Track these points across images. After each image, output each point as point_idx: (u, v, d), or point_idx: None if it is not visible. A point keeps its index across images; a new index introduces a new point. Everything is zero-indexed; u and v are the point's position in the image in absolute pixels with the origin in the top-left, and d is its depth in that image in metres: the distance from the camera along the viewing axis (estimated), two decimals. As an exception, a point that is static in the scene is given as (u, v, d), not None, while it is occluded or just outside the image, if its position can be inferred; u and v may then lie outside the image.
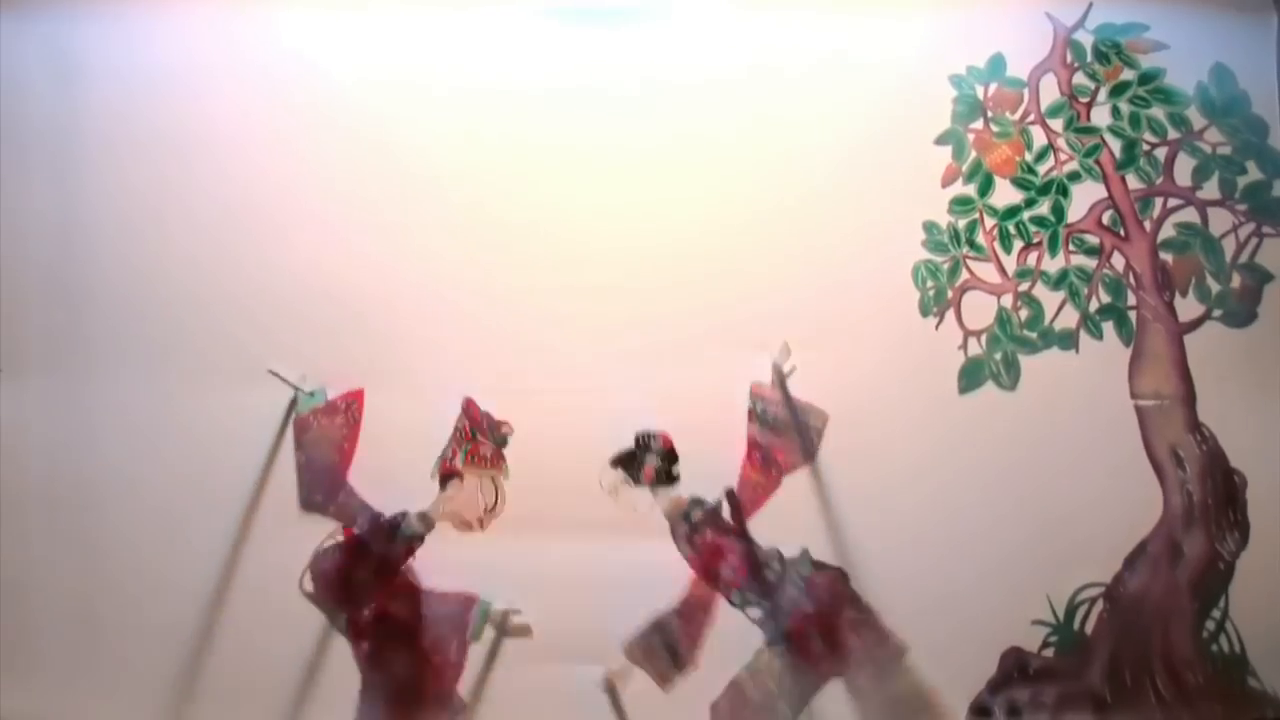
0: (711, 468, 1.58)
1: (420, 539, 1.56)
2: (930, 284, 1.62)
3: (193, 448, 1.57)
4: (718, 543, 1.56)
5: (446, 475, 1.57)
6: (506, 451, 1.58)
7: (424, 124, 1.63)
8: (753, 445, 1.58)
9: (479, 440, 1.57)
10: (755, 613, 1.55)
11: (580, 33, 1.65)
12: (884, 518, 1.58)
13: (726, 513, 1.57)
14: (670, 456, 1.58)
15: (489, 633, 1.54)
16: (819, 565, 1.56)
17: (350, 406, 1.58)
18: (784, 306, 1.60)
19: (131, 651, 1.54)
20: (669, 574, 1.56)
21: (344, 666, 1.54)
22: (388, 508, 1.57)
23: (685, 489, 1.58)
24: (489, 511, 1.56)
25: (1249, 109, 1.66)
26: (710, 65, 1.64)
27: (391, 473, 1.58)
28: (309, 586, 1.55)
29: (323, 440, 1.57)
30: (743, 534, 1.56)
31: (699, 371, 1.59)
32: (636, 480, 1.57)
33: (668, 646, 1.54)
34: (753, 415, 1.59)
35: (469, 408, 1.58)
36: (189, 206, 1.61)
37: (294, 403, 1.57)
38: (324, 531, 1.56)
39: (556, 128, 1.63)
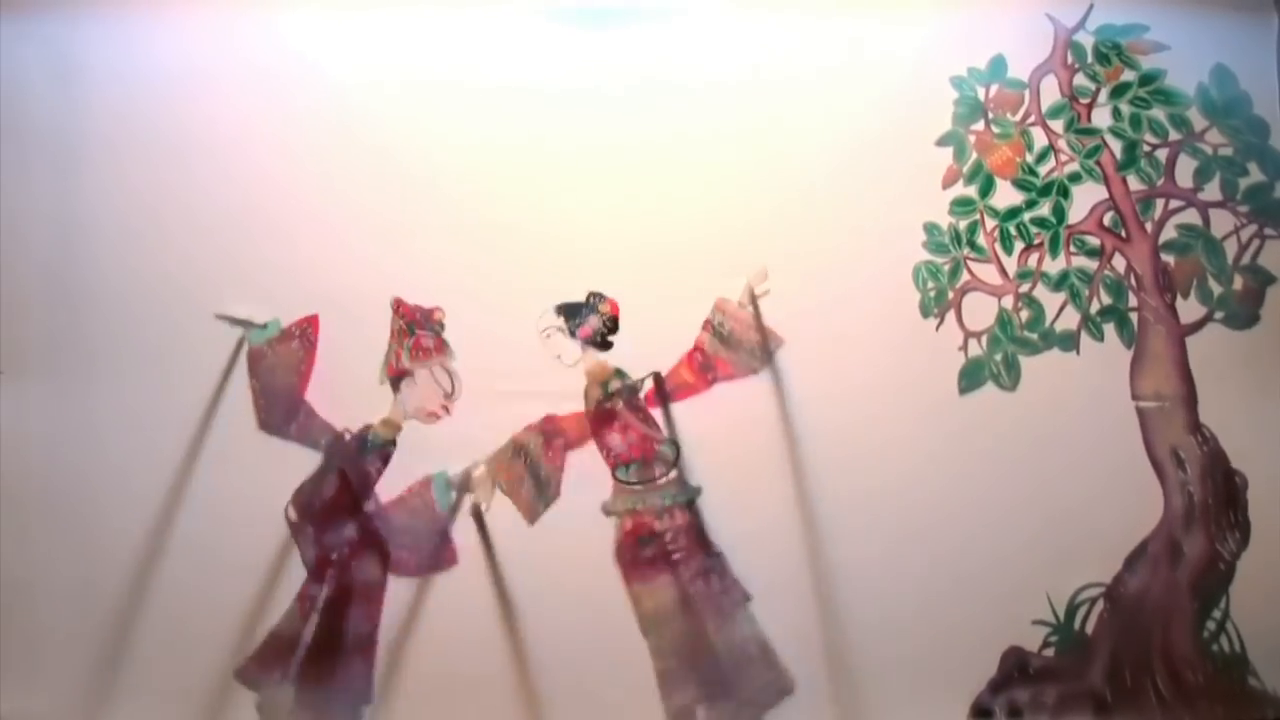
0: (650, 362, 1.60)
1: (392, 444, 1.57)
2: (931, 285, 1.62)
3: (192, 449, 1.57)
4: (625, 416, 1.58)
5: (397, 377, 1.58)
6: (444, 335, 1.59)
7: (424, 125, 1.63)
8: (697, 348, 1.60)
9: (417, 334, 1.58)
10: (625, 485, 1.58)
11: (581, 35, 1.65)
12: (884, 517, 1.58)
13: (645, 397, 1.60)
14: (612, 324, 1.60)
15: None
16: (691, 501, 1.58)
17: (305, 331, 1.59)
18: (785, 307, 1.60)
19: (131, 652, 1.54)
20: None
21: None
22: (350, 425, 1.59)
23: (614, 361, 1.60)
24: (449, 396, 1.58)
25: (1250, 110, 1.66)
26: (711, 67, 1.64)
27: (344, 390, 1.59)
28: (291, 515, 1.56)
29: (278, 366, 1.58)
30: (648, 418, 1.59)
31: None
32: (572, 333, 1.59)
33: (531, 469, 1.57)
34: (708, 325, 1.60)
35: (399, 306, 1.59)
36: (189, 208, 1.61)
37: (241, 342, 1.58)
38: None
39: (558, 129, 1.63)
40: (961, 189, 1.64)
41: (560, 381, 1.59)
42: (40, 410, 1.58)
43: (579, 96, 1.63)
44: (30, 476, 1.57)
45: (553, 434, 1.58)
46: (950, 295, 1.62)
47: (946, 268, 1.63)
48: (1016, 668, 1.57)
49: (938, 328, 1.62)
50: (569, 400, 1.59)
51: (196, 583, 1.55)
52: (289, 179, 1.62)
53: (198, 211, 1.61)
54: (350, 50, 1.64)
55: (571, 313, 1.59)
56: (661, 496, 1.58)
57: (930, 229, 1.63)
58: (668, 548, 1.57)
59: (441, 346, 1.58)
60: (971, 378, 1.61)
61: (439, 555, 1.56)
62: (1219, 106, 1.65)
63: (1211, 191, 1.64)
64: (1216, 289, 1.63)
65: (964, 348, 1.61)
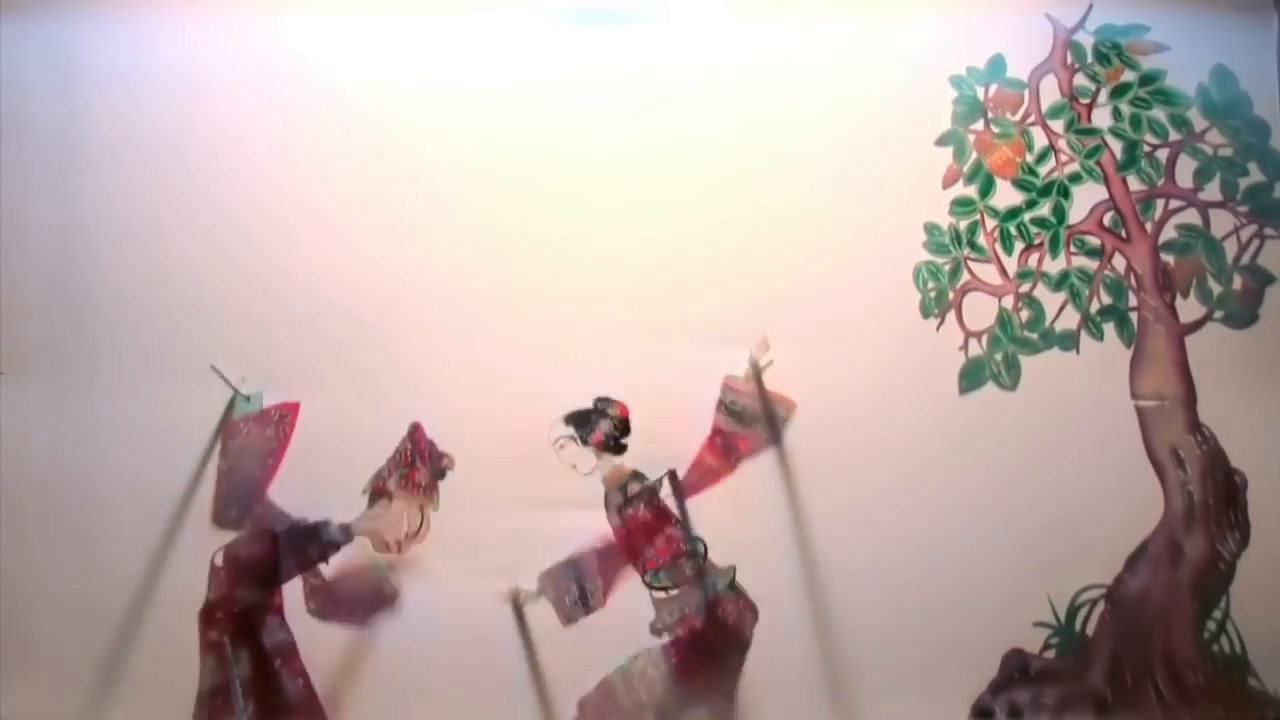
0: (664, 453, 1.59)
1: (337, 547, 1.55)
2: (931, 285, 1.62)
3: (192, 449, 1.57)
4: (647, 520, 1.57)
5: (376, 494, 1.57)
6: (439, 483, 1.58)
7: (423, 127, 1.63)
8: (716, 432, 1.59)
9: (417, 466, 1.57)
10: (659, 594, 1.56)
11: (581, 36, 1.65)
12: (884, 517, 1.58)
13: (666, 495, 1.58)
14: (623, 426, 1.58)
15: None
16: (738, 589, 1.56)
17: (283, 419, 1.57)
18: (785, 307, 1.61)
19: (131, 653, 1.54)
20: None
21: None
22: (310, 516, 1.57)
23: (631, 463, 1.59)
24: (410, 536, 1.56)
25: (1250, 110, 1.66)
26: (710, 68, 1.64)
27: (319, 481, 1.57)
28: (219, 561, 1.54)
29: (249, 450, 1.56)
30: (670, 517, 1.57)
31: (696, 369, 1.60)
32: (584, 440, 1.58)
33: (578, 582, 1.55)
34: (721, 406, 1.59)
35: (415, 433, 1.57)
36: (190, 209, 1.61)
37: (231, 404, 1.57)
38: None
39: (557, 129, 1.63)
40: (961, 189, 1.64)
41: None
42: (40, 411, 1.58)
43: (579, 97, 1.63)
44: (30, 477, 1.56)
45: (609, 553, 1.56)
46: (951, 295, 1.62)
47: (947, 268, 1.63)
48: (1017, 669, 1.57)
49: (938, 328, 1.62)
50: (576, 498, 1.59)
51: (196, 584, 1.55)
52: (289, 180, 1.61)
53: (198, 212, 1.61)
54: (351, 51, 1.64)
55: (581, 421, 1.58)
56: (703, 589, 1.56)
57: (930, 229, 1.63)
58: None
59: (431, 490, 1.56)
60: (972, 378, 1.61)
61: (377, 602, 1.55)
62: (1219, 107, 1.66)
63: (1211, 191, 1.64)
64: (1216, 289, 1.63)
65: (964, 347, 1.61)
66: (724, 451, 1.58)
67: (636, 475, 1.58)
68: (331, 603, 1.54)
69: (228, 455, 1.56)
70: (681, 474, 1.58)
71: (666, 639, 1.55)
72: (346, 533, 1.56)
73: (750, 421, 1.59)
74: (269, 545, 1.54)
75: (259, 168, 1.62)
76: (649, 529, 1.57)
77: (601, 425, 1.58)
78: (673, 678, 1.54)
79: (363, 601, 1.54)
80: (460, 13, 1.65)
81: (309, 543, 1.55)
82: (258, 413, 1.57)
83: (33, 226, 1.60)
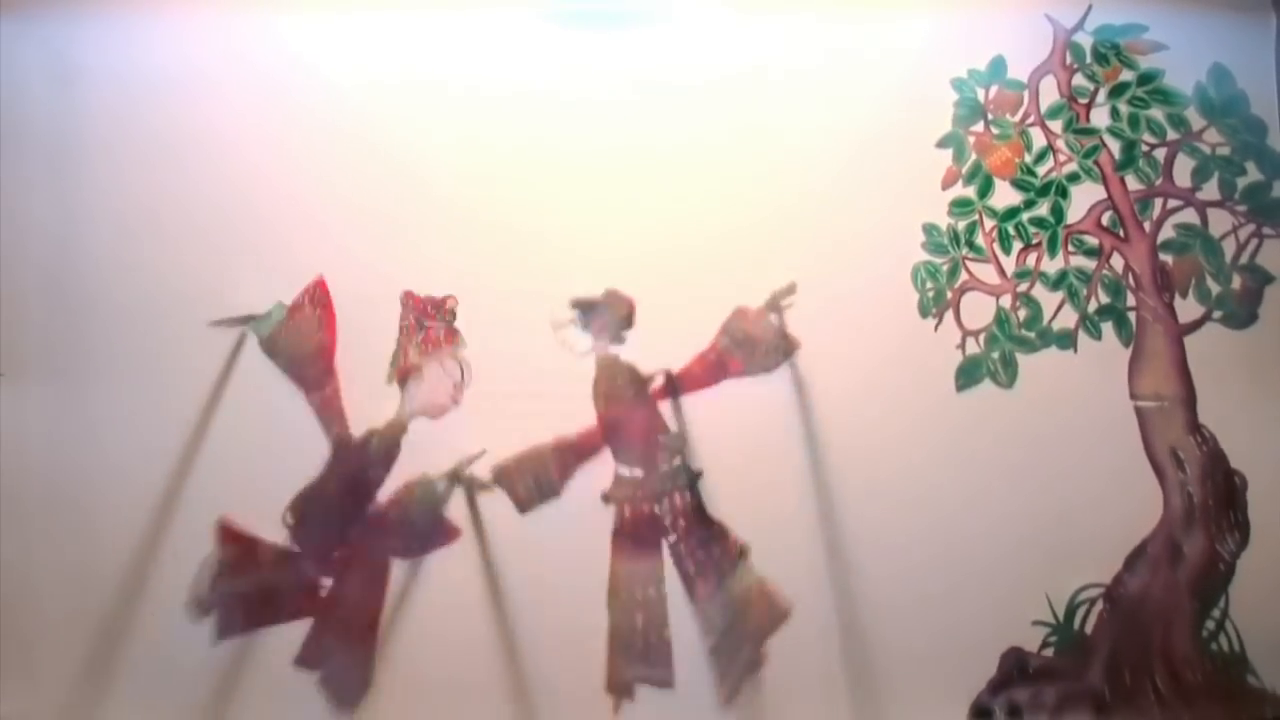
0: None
1: (396, 446, 1.57)
2: (930, 285, 1.62)
3: (190, 450, 1.57)
4: (631, 407, 1.58)
5: (404, 375, 1.58)
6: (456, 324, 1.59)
7: (422, 128, 1.62)
8: (711, 349, 1.60)
9: (427, 326, 1.57)
10: (622, 470, 1.58)
11: (579, 37, 1.65)
12: (883, 516, 1.58)
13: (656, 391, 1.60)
14: (627, 319, 1.60)
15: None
16: (693, 483, 1.59)
17: (314, 295, 1.58)
18: (783, 307, 1.61)
19: (130, 653, 1.54)
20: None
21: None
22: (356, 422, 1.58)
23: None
24: (459, 385, 1.57)
25: (1248, 109, 1.66)
26: (710, 69, 1.64)
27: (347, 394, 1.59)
28: (289, 520, 1.56)
29: (300, 333, 1.57)
30: (655, 411, 1.59)
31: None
32: (586, 326, 1.59)
33: (535, 474, 1.57)
34: (724, 330, 1.60)
35: (408, 299, 1.58)
36: (188, 210, 1.61)
37: (241, 339, 1.57)
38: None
39: (556, 130, 1.63)
40: (960, 190, 1.64)
41: (567, 385, 1.59)
42: (39, 412, 1.58)
43: (577, 98, 1.63)
44: (30, 478, 1.57)
45: (564, 450, 1.58)
46: (949, 295, 1.62)
47: (945, 268, 1.63)
48: (1016, 668, 1.57)
49: (936, 327, 1.62)
50: (573, 401, 1.59)
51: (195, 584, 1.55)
52: (287, 181, 1.61)
53: (196, 213, 1.61)
54: (349, 53, 1.64)
55: (585, 308, 1.59)
56: (660, 482, 1.58)
57: (929, 229, 1.63)
58: (664, 527, 1.57)
59: (452, 336, 1.57)
60: (969, 375, 1.61)
61: (437, 535, 1.56)
62: (1217, 106, 1.65)
63: (1210, 191, 1.64)
64: (1215, 288, 1.63)
65: (961, 346, 1.61)
66: (714, 365, 1.60)
67: (631, 368, 1.60)
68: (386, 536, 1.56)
69: (280, 354, 1.57)
70: None
71: (613, 509, 1.58)
72: (396, 427, 1.57)
73: (748, 348, 1.59)
74: (331, 484, 1.56)
75: (257, 169, 1.61)
76: (630, 414, 1.59)
77: (605, 314, 1.59)
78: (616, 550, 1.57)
79: (418, 533, 1.56)
80: (458, 13, 1.64)
81: (364, 462, 1.56)
82: (284, 314, 1.58)
83: (31, 228, 1.60)
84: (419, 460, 1.58)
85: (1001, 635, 1.58)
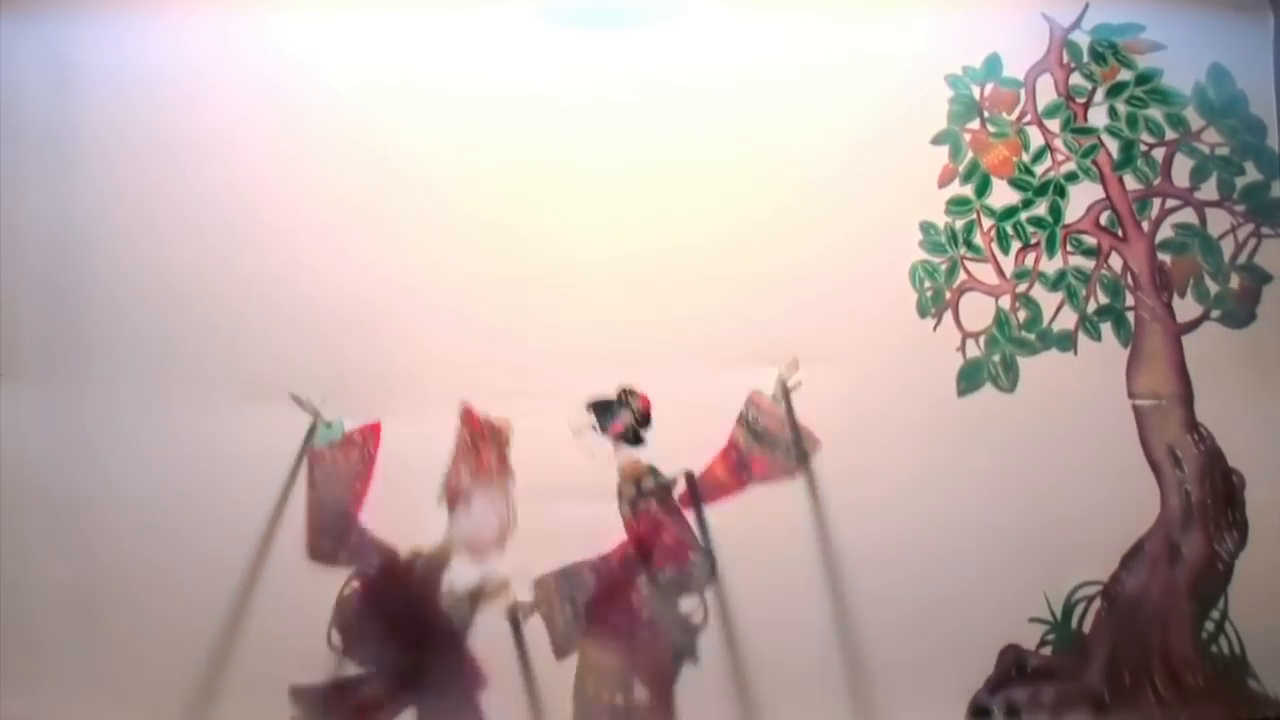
0: (681, 453, 1.58)
1: (438, 574, 1.53)
2: (928, 285, 1.62)
3: (188, 450, 1.57)
4: (659, 517, 1.57)
5: (453, 497, 1.54)
6: (509, 452, 1.56)
7: (420, 128, 1.63)
8: (732, 445, 1.58)
9: (480, 449, 1.55)
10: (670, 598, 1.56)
11: (577, 37, 1.65)
12: (883, 517, 1.58)
13: (679, 496, 1.58)
14: (644, 419, 1.58)
15: None
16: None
17: (366, 440, 1.55)
18: (782, 308, 1.61)
19: (130, 654, 1.54)
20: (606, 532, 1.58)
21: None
22: (401, 537, 1.55)
23: (647, 457, 1.58)
24: (505, 528, 1.53)
25: (1246, 109, 1.66)
26: (705, 68, 1.64)
27: (398, 496, 1.55)
28: (337, 642, 1.53)
29: (336, 477, 1.54)
30: (683, 519, 1.57)
31: (695, 372, 1.60)
32: (604, 429, 1.58)
33: (573, 599, 1.55)
34: (742, 420, 1.59)
35: (467, 416, 1.56)
36: (185, 211, 1.61)
37: (312, 430, 1.55)
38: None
39: (555, 132, 1.63)
40: (958, 188, 1.64)
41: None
42: (37, 413, 1.58)
43: (575, 99, 1.63)
44: (27, 479, 1.57)
45: (605, 577, 1.56)
46: (947, 295, 1.62)
47: (943, 267, 1.63)
48: (1014, 666, 1.57)
49: (935, 327, 1.62)
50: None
51: (193, 584, 1.55)
52: (285, 183, 1.61)
53: (193, 214, 1.61)
54: (348, 54, 1.64)
55: (602, 410, 1.58)
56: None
57: (926, 228, 1.63)
58: None
59: (504, 468, 1.53)
60: (970, 379, 1.61)
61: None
62: (1216, 106, 1.65)
63: (1208, 191, 1.64)
64: (1213, 288, 1.63)
65: (961, 348, 1.61)
66: (736, 467, 1.58)
67: (653, 471, 1.58)
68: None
69: (316, 484, 1.54)
70: None
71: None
72: (442, 555, 1.53)
73: (769, 444, 1.58)
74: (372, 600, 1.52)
75: (254, 170, 1.62)
76: (660, 526, 1.57)
77: (622, 415, 1.58)
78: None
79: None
80: (457, 13, 1.65)
81: (411, 581, 1.52)
82: (341, 438, 1.55)
83: (28, 229, 1.60)
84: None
85: (1000, 633, 1.57)
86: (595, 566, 1.55)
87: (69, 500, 1.56)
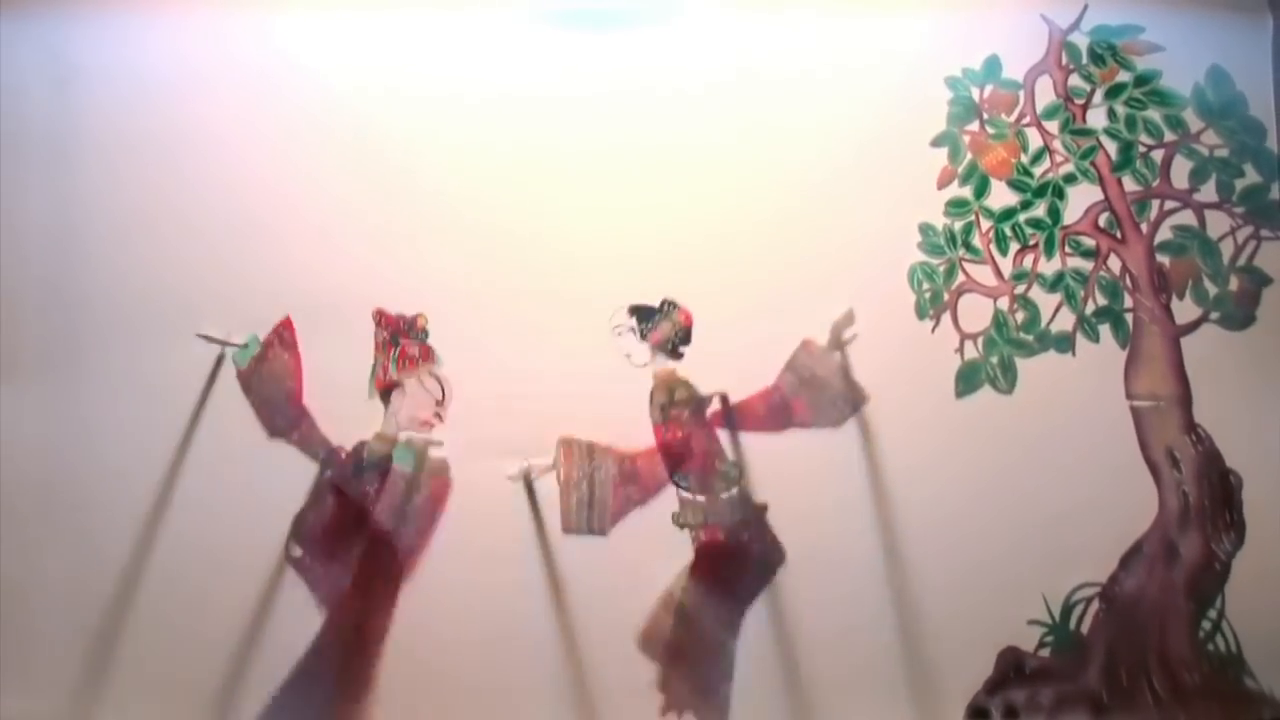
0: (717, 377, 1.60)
1: (389, 458, 1.57)
2: (926, 286, 1.62)
3: (186, 451, 1.58)
4: (689, 427, 1.58)
5: (386, 390, 1.58)
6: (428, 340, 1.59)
7: (420, 129, 1.63)
8: (776, 388, 1.59)
9: (402, 343, 1.58)
10: (686, 497, 1.57)
11: (575, 38, 1.64)
12: (882, 519, 1.58)
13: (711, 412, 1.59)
14: (684, 335, 1.59)
15: None
16: (767, 525, 1.58)
17: (282, 336, 1.59)
18: (780, 309, 1.61)
19: (129, 653, 1.55)
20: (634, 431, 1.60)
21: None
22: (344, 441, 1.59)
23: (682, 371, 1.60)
24: (440, 403, 1.58)
25: (1246, 111, 1.65)
26: (705, 70, 1.64)
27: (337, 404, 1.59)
28: (295, 552, 1.56)
29: (270, 376, 1.58)
30: (712, 434, 1.58)
31: (696, 374, 1.60)
32: (643, 335, 1.58)
33: (591, 481, 1.56)
34: (791, 365, 1.59)
35: (380, 317, 1.59)
36: (184, 211, 1.61)
37: (220, 360, 1.58)
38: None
39: (553, 133, 1.63)
40: (956, 190, 1.64)
41: (565, 386, 1.59)
42: (35, 413, 1.58)
43: (573, 100, 1.63)
44: (26, 478, 1.57)
45: (629, 477, 1.58)
46: (946, 296, 1.62)
47: (942, 269, 1.63)
48: (1013, 668, 1.57)
49: (934, 329, 1.62)
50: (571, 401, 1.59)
51: (193, 584, 1.56)
52: (284, 183, 1.62)
53: (193, 215, 1.61)
54: (347, 54, 1.63)
55: (644, 315, 1.59)
56: (730, 511, 1.57)
57: (925, 230, 1.63)
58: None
59: (428, 354, 1.58)
60: (969, 381, 1.61)
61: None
62: (1215, 107, 1.65)
63: (1207, 192, 1.64)
64: (1212, 290, 1.63)
65: (960, 350, 1.61)
66: (778, 408, 1.59)
67: (687, 384, 1.59)
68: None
69: (253, 391, 1.58)
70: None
71: (689, 536, 1.56)
72: (385, 439, 1.58)
73: (814, 390, 1.59)
74: (327, 501, 1.56)
75: (254, 170, 1.62)
76: (689, 435, 1.57)
77: (663, 326, 1.58)
78: (698, 583, 1.55)
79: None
80: (457, 15, 1.64)
81: (358, 474, 1.57)
82: (259, 349, 1.59)
83: (28, 229, 1.60)
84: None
85: (998, 635, 1.58)
86: (616, 474, 1.57)
87: (69, 500, 1.57)
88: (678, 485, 1.57)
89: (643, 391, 1.60)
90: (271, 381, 1.58)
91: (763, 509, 1.57)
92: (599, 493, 1.57)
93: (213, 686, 1.54)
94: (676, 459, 1.58)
